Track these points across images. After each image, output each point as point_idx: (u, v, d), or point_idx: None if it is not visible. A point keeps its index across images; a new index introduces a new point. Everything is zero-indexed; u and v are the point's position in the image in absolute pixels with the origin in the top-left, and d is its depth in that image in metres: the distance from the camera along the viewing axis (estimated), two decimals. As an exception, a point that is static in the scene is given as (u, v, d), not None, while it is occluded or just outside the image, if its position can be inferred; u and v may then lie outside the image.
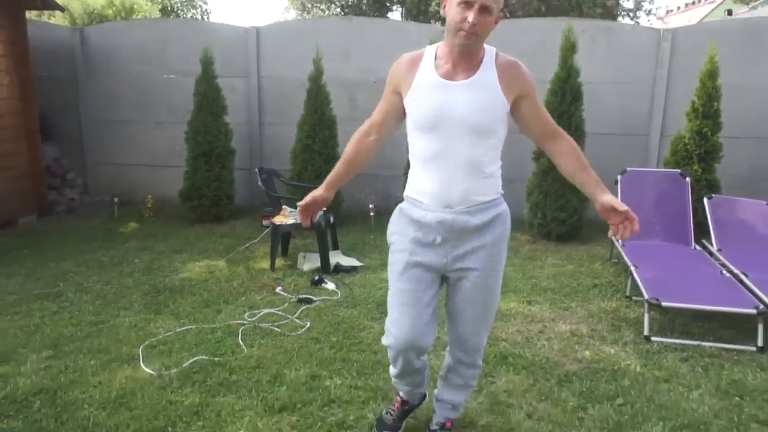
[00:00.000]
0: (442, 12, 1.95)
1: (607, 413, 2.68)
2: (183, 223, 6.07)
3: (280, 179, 5.41)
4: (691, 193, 4.98)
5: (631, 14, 22.65)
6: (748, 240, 4.59)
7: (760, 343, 3.32)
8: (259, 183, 4.78)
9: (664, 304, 3.45)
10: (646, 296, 3.50)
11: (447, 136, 1.97)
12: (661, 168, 5.59)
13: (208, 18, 22.18)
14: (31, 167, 6.28)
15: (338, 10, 21.55)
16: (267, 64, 6.66)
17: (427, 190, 2.04)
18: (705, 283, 3.85)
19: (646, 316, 3.51)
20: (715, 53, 5.19)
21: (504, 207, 2.15)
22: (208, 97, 6.01)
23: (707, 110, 5.22)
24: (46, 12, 13.07)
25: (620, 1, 21.31)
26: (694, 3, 43.84)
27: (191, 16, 21.73)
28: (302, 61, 6.15)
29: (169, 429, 2.51)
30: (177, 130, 6.48)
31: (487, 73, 1.98)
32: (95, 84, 6.96)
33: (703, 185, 5.23)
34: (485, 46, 2.01)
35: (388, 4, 22.90)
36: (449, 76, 1.98)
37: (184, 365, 3.06)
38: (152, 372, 2.99)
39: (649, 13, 22.89)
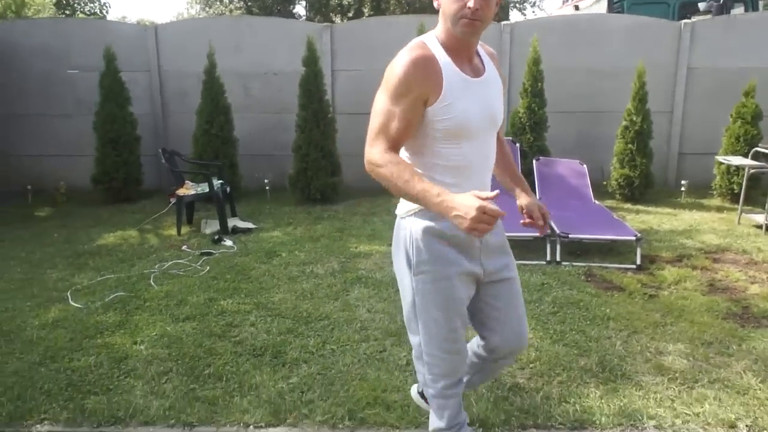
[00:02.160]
0: (435, 4, 1.78)
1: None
2: (96, 204, 6.71)
3: (181, 158, 6.18)
4: (525, 156, 6.25)
5: (519, 6, 24.58)
6: (562, 189, 5.91)
7: (548, 258, 4.55)
8: (163, 161, 5.57)
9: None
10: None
11: (480, 137, 1.83)
12: (505, 138, 6.84)
13: (107, 11, 22.05)
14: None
15: (241, 3, 21.93)
16: (167, 59, 7.36)
17: None
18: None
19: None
20: (537, 44, 6.46)
21: None
22: (113, 90, 6.68)
23: (534, 89, 6.50)
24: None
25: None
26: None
27: (89, 10, 21.51)
28: (199, 56, 6.90)
29: (98, 335, 3.35)
30: (84, 122, 7.07)
31: (490, 64, 1.91)
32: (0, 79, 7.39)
33: (536, 150, 6.51)
34: None
35: (291, -2, 23.48)
36: (471, 72, 1.82)
37: (106, 299, 3.88)
38: (80, 306, 3.79)
39: (534, 5, 24.67)
